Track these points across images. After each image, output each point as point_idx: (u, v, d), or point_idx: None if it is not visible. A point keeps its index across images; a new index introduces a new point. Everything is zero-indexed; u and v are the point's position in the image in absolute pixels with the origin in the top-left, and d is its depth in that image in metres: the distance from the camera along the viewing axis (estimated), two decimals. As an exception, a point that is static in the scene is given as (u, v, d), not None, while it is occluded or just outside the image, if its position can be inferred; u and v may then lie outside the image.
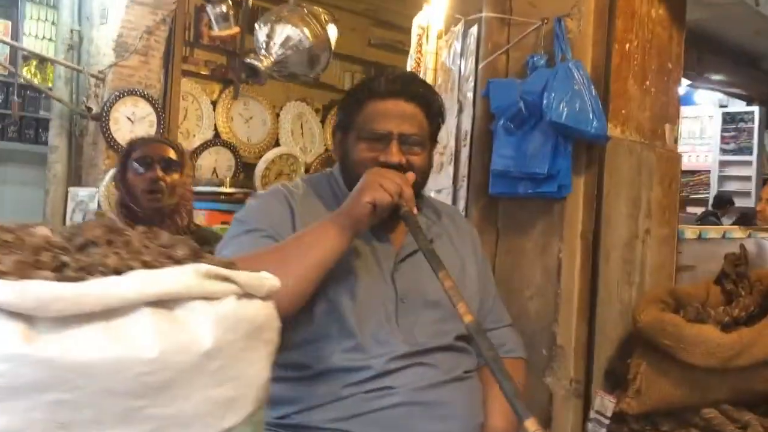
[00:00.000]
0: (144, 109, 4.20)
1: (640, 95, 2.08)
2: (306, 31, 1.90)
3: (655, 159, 2.11)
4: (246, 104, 5.01)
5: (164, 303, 0.95)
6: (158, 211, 2.14)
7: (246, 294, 1.06)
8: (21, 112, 5.81)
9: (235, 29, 2.47)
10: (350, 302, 1.44)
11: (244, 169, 4.88)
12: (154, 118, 4.21)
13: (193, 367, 0.95)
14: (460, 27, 2.19)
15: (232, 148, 4.82)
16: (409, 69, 2.49)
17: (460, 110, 2.15)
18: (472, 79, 2.09)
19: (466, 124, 2.11)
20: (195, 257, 1.10)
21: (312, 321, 1.44)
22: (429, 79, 2.35)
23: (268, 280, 1.13)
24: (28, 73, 5.89)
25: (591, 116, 1.77)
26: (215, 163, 4.76)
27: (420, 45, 2.38)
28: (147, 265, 1.00)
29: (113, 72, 4.12)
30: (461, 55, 2.18)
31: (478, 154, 2.04)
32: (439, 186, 2.26)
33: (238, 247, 1.43)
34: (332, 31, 2.10)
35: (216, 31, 2.69)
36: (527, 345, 1.84)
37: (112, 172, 4.06)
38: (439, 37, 2.36)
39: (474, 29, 2.10)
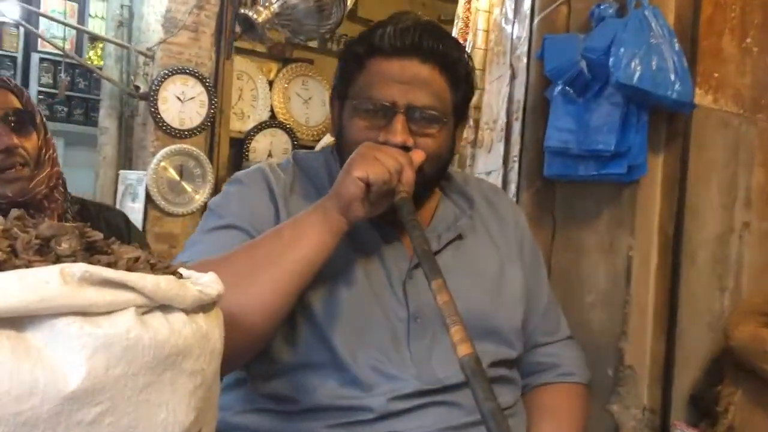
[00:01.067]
0: (194, 89, 3.98)
1: (738, 56, 1.67)
2: (313, -25, 1.60)
3: (757, 135, 1.70)
4: (305, 83, 4.75)
5: (9, 322, 0.66)
6: (26, 195, 1.40)
7: (159, 306, 0.76)
8: (78, 93, 5.81)
9: None
10: (340, 322, 1.11)
11: (302, 152, 4.63)
12: (205, 97, 4.00)
13: (48, 416, 0.66)
14: (514, -23, 1.83)
15: (288, 129, 4.58)
16: (456, 32, 2.14)
17: (513, 77, 1.80)
18: (526, 38, 1.73)
19: (519, 93, 1.75)
20: (89, 252, 0.82)
21: (295, 344, 1.12)
22: (480, 43, 2.00)
23: (199, 285, 0.84)
24: (94, 55, 5.87)
25: (672, 77, 1.39)
26: (270, 145, 4.52)
27: (469, 2, 2.03)
28: (-2, 266, 0.71)
29: (162, 49, 3.92)
30: (515, 11, 1.82)
31: (532, 129, 1.69)
32: (489, 167, 1.92)
33: (210, 246, 1.14)
34: None
35: None
36: (588, 365, 1.48)
37: (161, 153, 3.90)
38: (493, -8, 2.00)
39: (530, -23, 1.74)
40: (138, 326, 0.70)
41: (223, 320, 0.90)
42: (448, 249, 1.22)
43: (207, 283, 0.84)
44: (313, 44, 4.68)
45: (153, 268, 0.88)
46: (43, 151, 1.43)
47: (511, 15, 1.83)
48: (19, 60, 5.68)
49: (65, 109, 5.80)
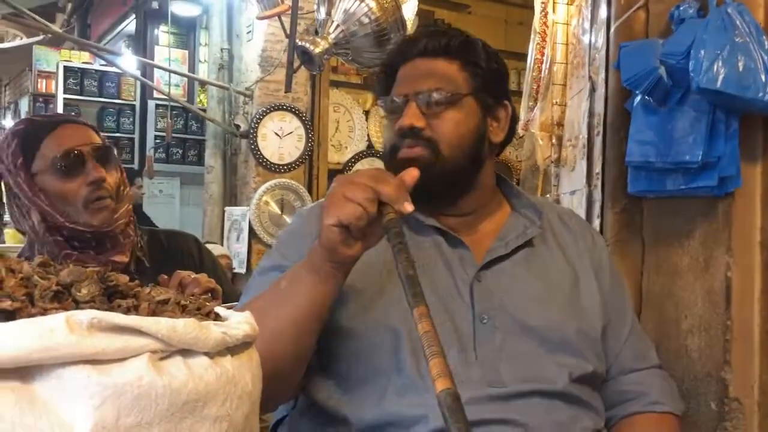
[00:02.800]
0: (292, 124, 4.08)
1: None
2: (370, 1, 1.56)
3: None
4: (401, 112, 4.79)
5: (15, 372, 0.66)
6: (111, 226, 1.43)
7: (180, 351, 0.74)
8: (191, 135, 6.11)
9: (284, 6, 2.16)
10: (399, 323, 1.08)
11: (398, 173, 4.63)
12: (302, 131, 4.09)
13: (54, 471, 0.65)
14: (589, -15, 1.74)
15: (386, 158, 4.61)
16: (533, 47, 2.05)
17: (592, 90, 1.70)
18: (604, 47, 1.63)
19: (599, 107, 1.65)
20: (111, 297, 0.81)
21: (357, 356, 1.10)
22: (559, 57, 1.91)
23: (223, 327, 0.81)
24: (205, 98, 6.17)
25: (763, 78, 1.25)
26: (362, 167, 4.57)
27: (545, 15, 1.95)
28: (8, 315, 0.72)
29: (259, 88, 4.05)
30: (591, 20, 1.72)
31: (614, 144, 1.58)
32: (573, 186, 1.81)
33: (257, 289, 1.16)
34: (410, 5, 1.71)
35: (261, 13, 2.39)
36: (688, 397, 1.36)
37: (262, 189, 4.00)
38: (570, 2, 1.91)
39: (604, -17, 1.65)
40: (151, 373, 0.68)
41: (258, 361, 0.87)
42: (518, 256, 1.18)
43: (233, 325, 0.82)
44: (408, 72, 4.70)
45: (184, 310, 0.86)
46: (122, 187, 1.48)
47: (587, 24, 1.73)
48: (137, 107, 6.07)
49: (180, 150, 6.12)
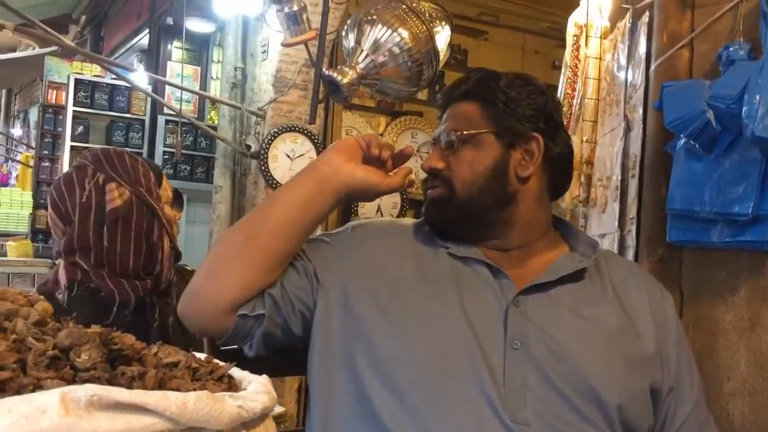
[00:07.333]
0: (303, 146, 4.00)
1: None
2: (402, 31, 1.47)
3: None
4: (414, 136, 4.68)
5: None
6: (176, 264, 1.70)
7: (188, 429, 0.65)
8: (200, 152, 6.04)
9: (310, 33, 2.09)
10: (423, 343, 1.06)
11: (412, 207, 4.52)
12: (314, 154, 4.00)
13: None
14: (627, 19, 1.65)
15: (398, 184, 4.51)
16: (563, 81, 1.97)
17: (628, 129, 1.61)
18: (642, 86, 1.54)
19: (635, 147, 1.56)
20: (114, 362, 0.72)
21: (363, 393, 1.06)
22: (590, 93, 1.82)
23: (239, 398, 0.72)
24: (215, 115, 6.10)
25: (822, 127, 1.17)
26: (380, 200, 4.46)
27: (577, 49, 1.87)
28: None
29: (272, 108, 3.97)
30: (629, 56, 1.63)
31: (651, 187, 1.49)
32: (603, 229, 1.72)
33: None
34: (443, 35, 1.60)
35: (287, 40, 2.31)
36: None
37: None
38: (604, 36, 1.83)
39: (645, 18, 1.56)
40: (158, 460, 0.59)
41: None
42: (564, 288, 1.12)
43: (250, 395, 0.72)
44: (422, 96, 4.62)
45: (194, 374, 0.77)
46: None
47: (624, 61, 1.64)
48: (147, 123, 6.00)
49: (188, 167, 6.04)
